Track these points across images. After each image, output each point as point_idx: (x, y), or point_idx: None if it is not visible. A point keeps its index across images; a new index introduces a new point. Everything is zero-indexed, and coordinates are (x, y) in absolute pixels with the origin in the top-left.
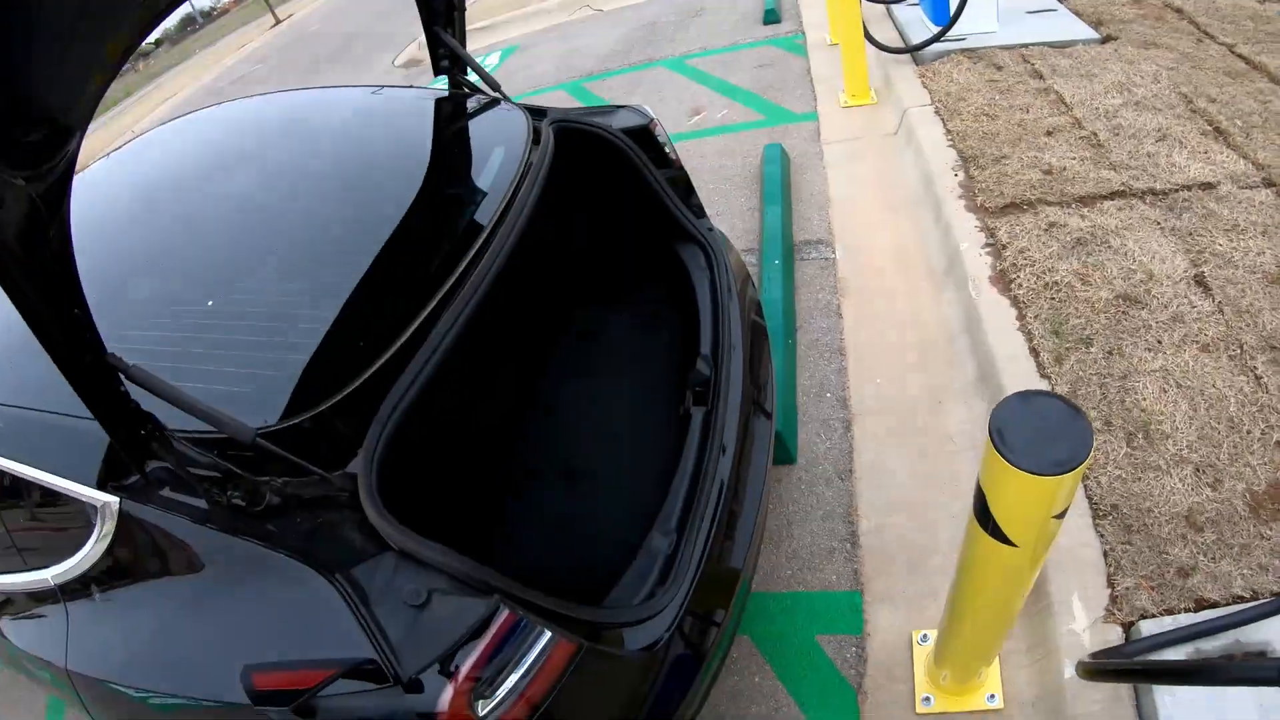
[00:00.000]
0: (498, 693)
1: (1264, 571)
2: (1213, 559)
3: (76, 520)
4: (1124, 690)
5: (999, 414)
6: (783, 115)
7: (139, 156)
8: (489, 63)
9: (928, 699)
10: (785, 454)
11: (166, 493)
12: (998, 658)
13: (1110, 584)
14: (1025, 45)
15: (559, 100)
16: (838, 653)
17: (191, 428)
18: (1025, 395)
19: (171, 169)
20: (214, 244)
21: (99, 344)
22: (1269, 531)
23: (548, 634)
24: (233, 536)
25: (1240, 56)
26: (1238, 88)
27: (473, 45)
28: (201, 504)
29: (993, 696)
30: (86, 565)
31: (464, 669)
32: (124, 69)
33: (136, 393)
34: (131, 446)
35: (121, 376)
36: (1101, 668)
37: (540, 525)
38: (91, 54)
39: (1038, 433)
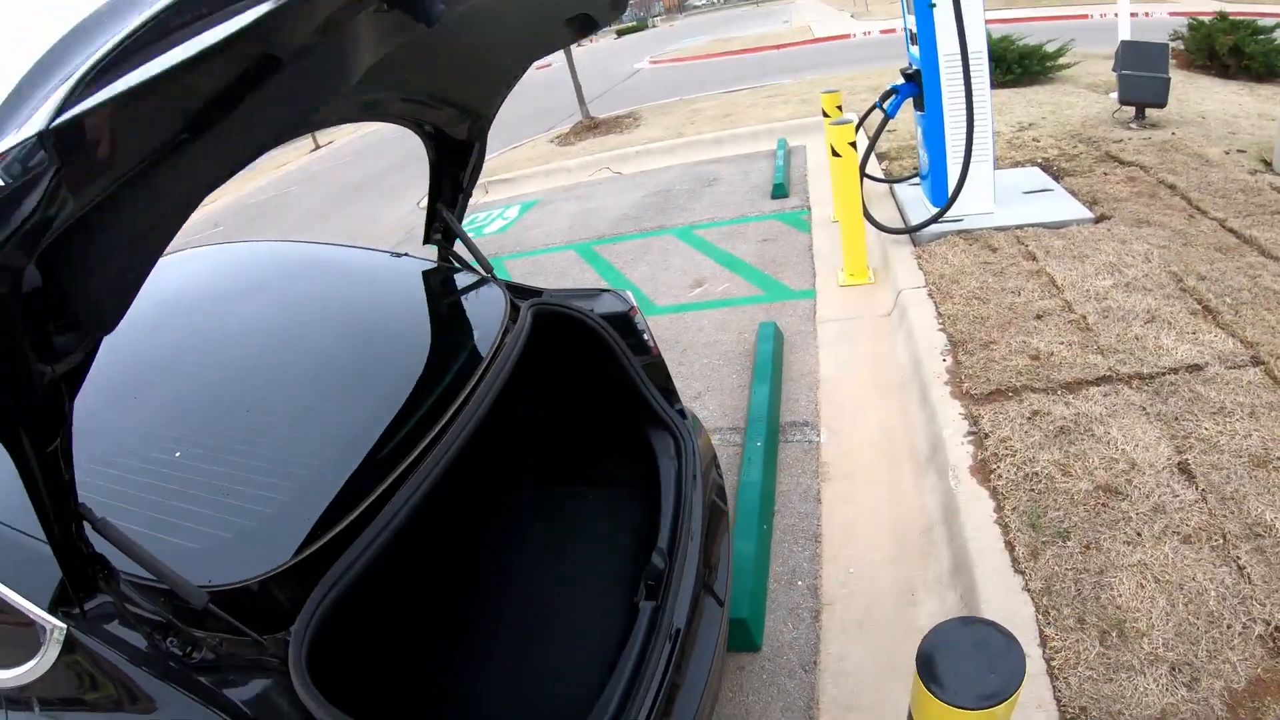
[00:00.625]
0: None
1: None
2: None
3: (28, 634)
4: None
5: (928, 642)
6: (781, 291)
7: None
8: (509, 214)
9: None
10: (749, 641)
11: (112, 627)
12: None
13: None
14: (1020, 226)
15: (568, 260)
16: None
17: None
18: (964, 620)
19: (154, 309)
20: (188, 395)
21: (73, 492)
22: None
23: None
24: (165, 683)
25: (1231, 231)
26: (1228, 263)
27: (495, 195)
28: (142, 645)
29: None
30: (29, 679)
31: None
32: None
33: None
34: (77, 582)
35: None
36: None
37: (478, 705)
38: (129, 273)
39: (969, 661)
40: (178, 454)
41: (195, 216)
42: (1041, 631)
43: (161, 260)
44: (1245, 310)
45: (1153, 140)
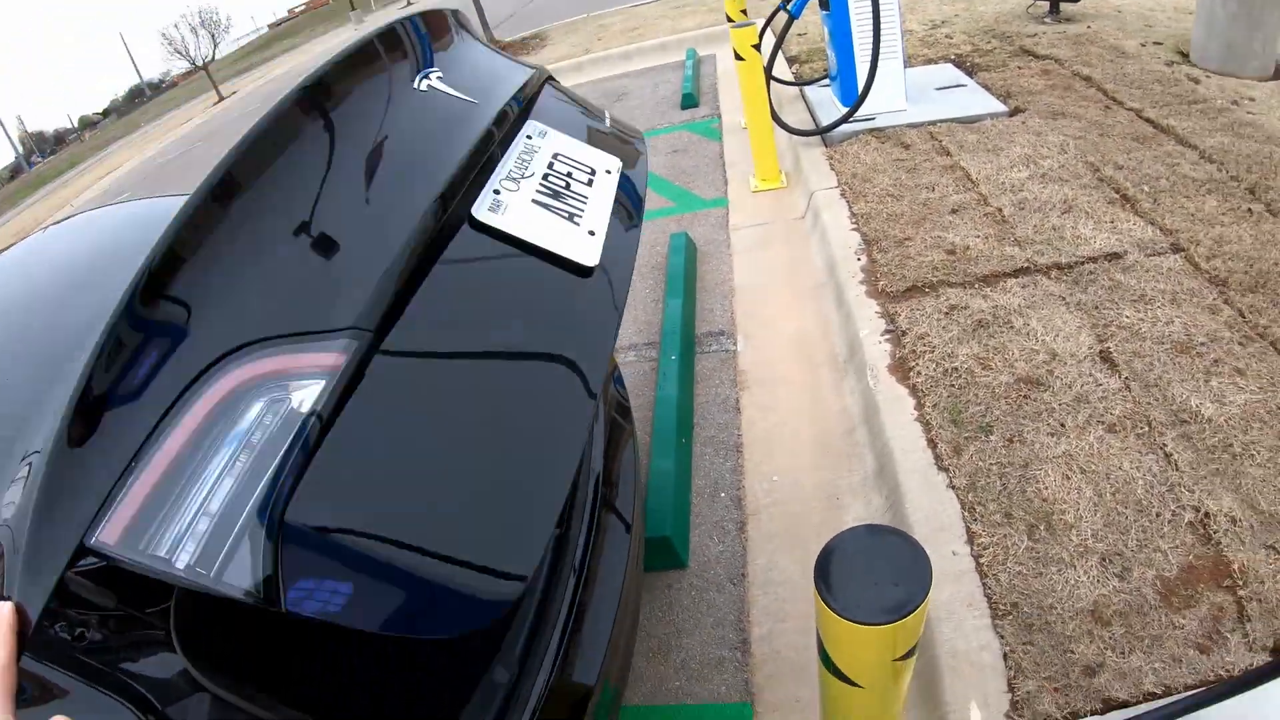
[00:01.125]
0: None
1: (1177, 664)
2: (1121, 654)
3: None
4: None
5: (828, 551)
6: (693, 202)
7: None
8: None
9: None
10: (675, 559)
11: None
12: None
13: (1010, 688)
14: (934, 122)
15: None
16: None
17: None
18: (870, 529)
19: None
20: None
21: None
22: (1181, 620)
23: None
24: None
25: (1148, 120)
26: (1145, 152)
27: None
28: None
29: None
30: None
31: None
32: (71, 137)
33: None
34: None
35: None
36: None
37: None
38: None
39: (873, 573)
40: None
41: (97, 186)
42: (968, 529)
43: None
44: (1164, 198)
45: (1067, 34)
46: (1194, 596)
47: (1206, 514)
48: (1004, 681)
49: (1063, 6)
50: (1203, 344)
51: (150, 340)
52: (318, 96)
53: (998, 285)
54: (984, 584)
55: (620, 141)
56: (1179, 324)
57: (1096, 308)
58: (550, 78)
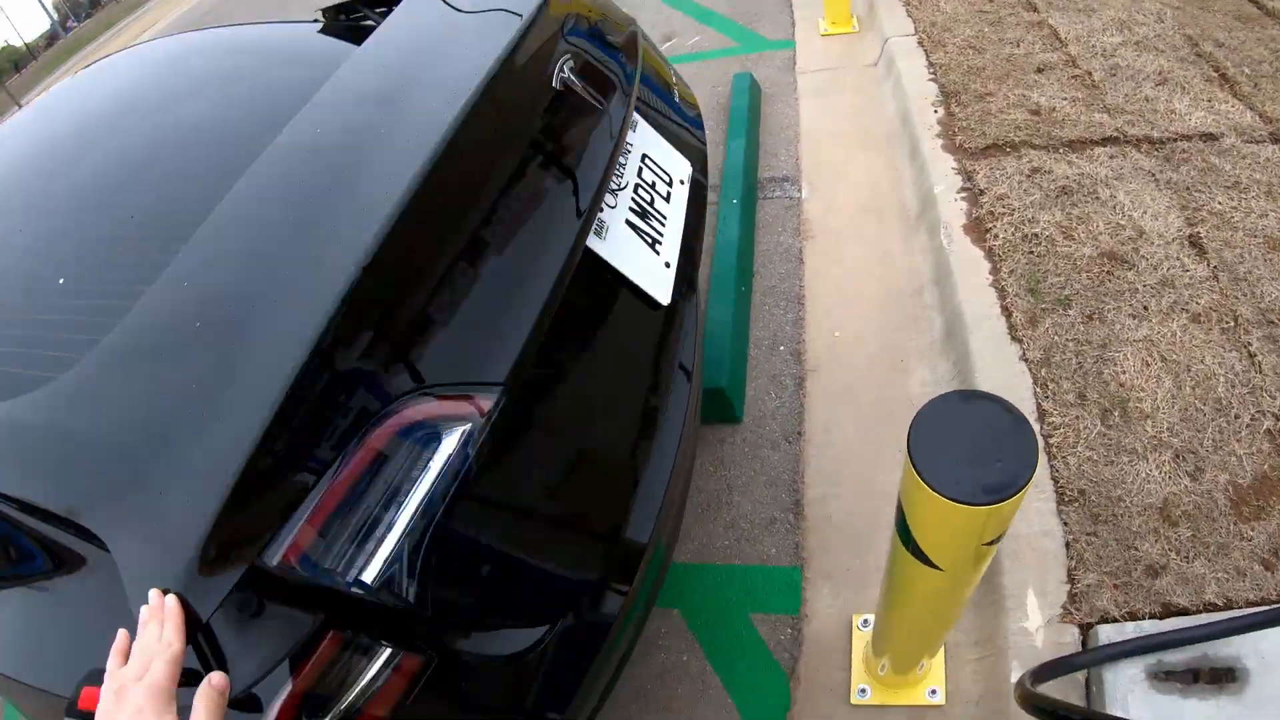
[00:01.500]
0: (329, 714)
1: (1240, 576)
2: (1186, 558)
3: None
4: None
5: (922, 420)
6: (758, 43)
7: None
8: None
9: (864, 690)
10: (730, 413)
11: None
12: (942, 649)
13: (1070, 579)
14: None
15: None
16: (772, 634)
17: None
18: (964, 395)
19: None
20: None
21: None
22: (1250, 531)
23: (387, 651)
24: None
25: (1254, 2)
26: (1248, 33)
27: None
28: None
29: (934, 691)
30: None
31: (283, 692)
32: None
33: None
34: None
35: None
36: (1033, 697)
37: None
38: None
39: (970, 447)
40: None
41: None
42: (1039, 405)
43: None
44: (1265, 84)
45: None
46: (1265, 508)
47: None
48: (1064, 571)
49: None
50: None
51: (338, 379)
52: (478, 120)
53: (1084, 152)
54: (1051, 466)
55: (690, 134)
56: (1274, 218)
57: (1188, 189)
58: (637, 32)
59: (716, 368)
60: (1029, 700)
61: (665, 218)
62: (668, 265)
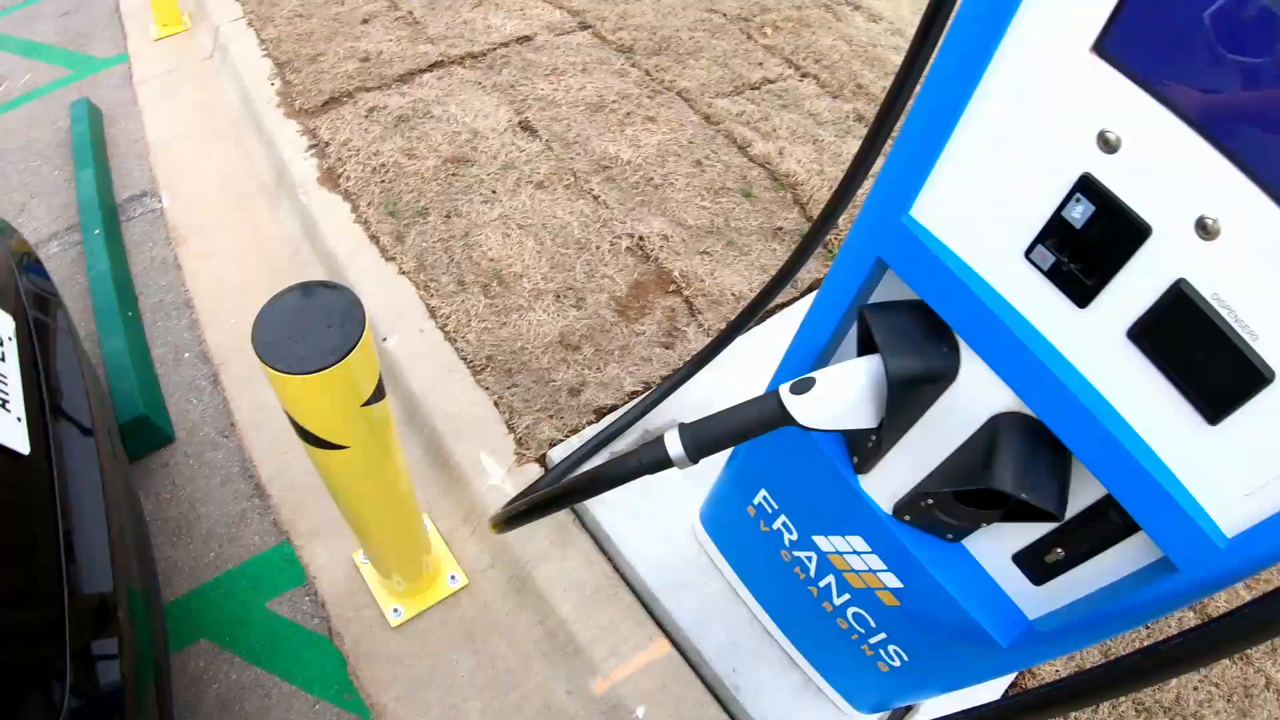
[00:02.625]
0: None
1: (647, 363)
2: (597, 370)
3: None
4: (566, 516)
5: (260, 322)
6: (92, 65)
7: None
8: None
9: (397, 610)
10: (161, 435)
11: None
12: (441, 539)
13: (510, 429)
14: None
15: None
16: (294, 610)
17: None
18: (301, 288)
19: None
20: None
21: None
22: (640, 327)
23: None
24: None
25: None
26: None
27: None
28: None
29: (454, 577)
30: None
31: None
32: None
33: None
34: None
35: None
36: (508, 516)
37: None
38: None
39: (310, 326)
40: None
41: None
42: (428, 305)
43: None
44: None
45: None
46: (647, 306)
47: (641, 238)
48: (503, 426)
49: None
50: (614, 102)
51: None
52: None
53: (414, 81)
54: (456, 348)
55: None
56: (590, 88)
57: (512, 86)
58: None
59: (130, 399)
60: (502, 525)
61: (4, 377)
62: (20, 420)
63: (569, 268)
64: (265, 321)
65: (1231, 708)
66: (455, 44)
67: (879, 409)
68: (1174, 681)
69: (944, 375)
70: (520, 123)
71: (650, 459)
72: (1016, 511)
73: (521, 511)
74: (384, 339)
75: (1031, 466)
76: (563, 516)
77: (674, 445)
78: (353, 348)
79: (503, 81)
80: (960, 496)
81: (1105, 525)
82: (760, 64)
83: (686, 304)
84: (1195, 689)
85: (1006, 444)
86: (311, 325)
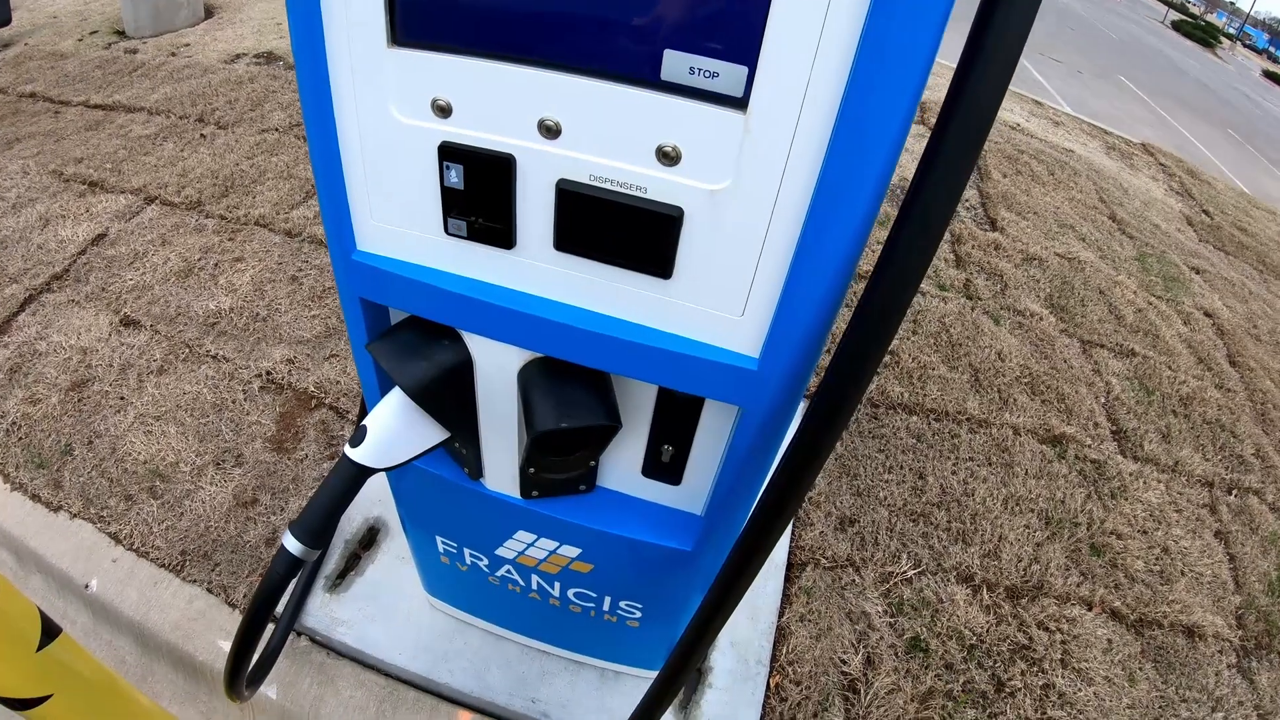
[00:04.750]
0: None
1: (321, 480)
2: (281, 511)
3: None
4: (320, 654)
5: None
6: None
7: None
8: None
9: None
10: None
11: None
12: None
13: (232, 605)
14: None
15: None
16: None
17: None
18: None
19: None
20: None
21: None
22: (301, 453)
23: None
24: None
25: (97, 106)
26: (101, 135)
27: None
28: None
29: None
30: None
31: None
32: None
33: None
34: None
35: None
36: (230, 677)
37: None
38: None
39: None
40: None
41: None
42: (108, 534)
43: None
44: (126, 165)
45: (6, 59)
46: (299, 430)
47: (268, 373)
48: (225, 606)
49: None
50: (200, 259)
51: None
52: None
53: (11, 328)
54: (152, 560)
55: None
56: (175, 257)
57: (104, 289)
58: None
59: None
60: (231, 689)
61: None
62: None
63: (216, 433)
64: None
65: (995, 468)
66: (37, 273)
67: (433, 421)
68: (931, 481)
69: (459, 364)
70: (122, 321)
71: (282, 566)
72: (589, 439)
73: (232, 666)
74: (86, 586)
75: (566, 397)
76: (317, 655)
77: (292, 544)
78: None
79: (93, 289)
80: (545, 452)
81: (674, 407)
82: None
83: (333, 411)
84: (954, 473)
85: (535, 390)
86: None
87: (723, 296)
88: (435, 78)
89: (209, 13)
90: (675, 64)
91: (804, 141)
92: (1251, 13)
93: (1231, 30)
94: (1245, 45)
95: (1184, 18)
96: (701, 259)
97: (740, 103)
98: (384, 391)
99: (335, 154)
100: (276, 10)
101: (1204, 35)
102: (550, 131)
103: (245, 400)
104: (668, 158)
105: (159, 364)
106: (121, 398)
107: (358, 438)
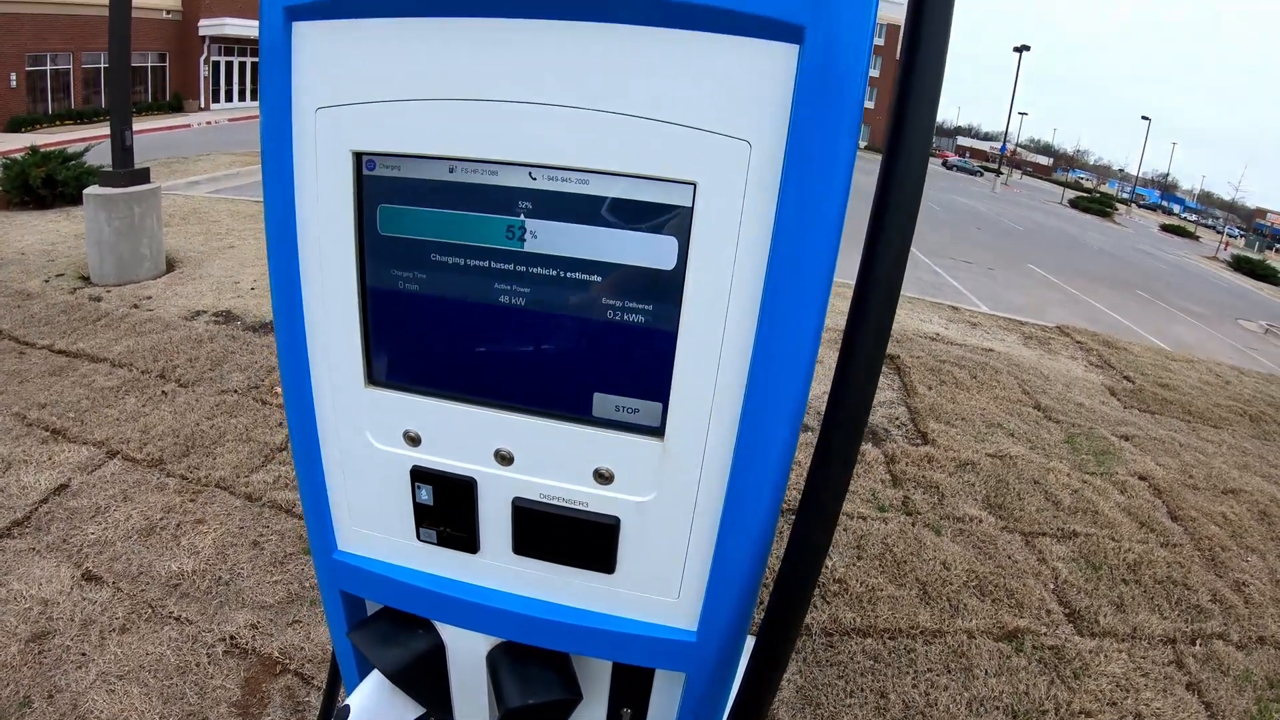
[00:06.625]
0: None
1: None
2: None
3: None
4: None
5: None
6: None
7: None
8: None
9: None
10: None
11: None
12: None
13: None
14: None
15: None
16: None
17: None
18: None
19: None
20: None
21: None
22: (268, 713)
23: None
24: None
25: (61, 352)
26: (64, 382)
27: None
28: None
29: None
30: None
31: None
32: None
33: None
34: None
35: None
36: None
37: None
38: None
39: None
40: None
41: None
42: None
43: None
44: (89, 416)
45: None
46: (264, 695)
47: (232, 637)
48: None
49: None
50: (162, 519)
51: None
52: None
53: None
54: None
55: None
56: (137, 514)
57: (65, 540)
58: None
59: None
60: None
61: None
62: None
63: (180, 695)
64: None
65: (955, 674)
66: (6, 517)
67: (409, 699)
68: (894, 698)
69: (432, 648)
70: (84, 574)
71: None
72: (553, 712)
73: None
74: None
75: (531, 675)
76: None
77: None
78: None
79: (54, 540)
80: None
81: (630, 676)
82: (280, 424)
83: (298, 676)
84: (914, 686)
85: (502, 670)
86: None
87: (659, 584)
88: (406, 414)
89: (170, 266)
90: (603, 404)
91: (713, 458)
92: (1140, 174)
93: (1125, 195)
94: (1140, 205)
95: (1079, 193)
96: (638, 556)
97: (658, 431)
98: (363, 672)
99: (320, 473)
100: (234, 268)
101: (1100, 207)
102: (504, 459)
103: (209, 664)
104: (603, 478)
105: (121, 622)
106: (83, 653)
107: (341, 716)
